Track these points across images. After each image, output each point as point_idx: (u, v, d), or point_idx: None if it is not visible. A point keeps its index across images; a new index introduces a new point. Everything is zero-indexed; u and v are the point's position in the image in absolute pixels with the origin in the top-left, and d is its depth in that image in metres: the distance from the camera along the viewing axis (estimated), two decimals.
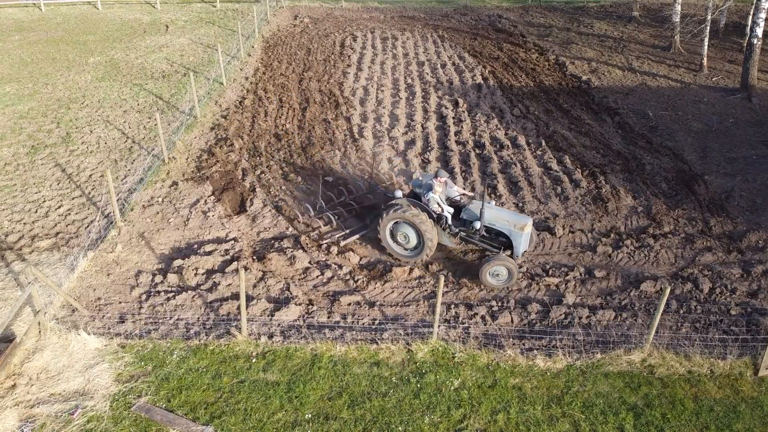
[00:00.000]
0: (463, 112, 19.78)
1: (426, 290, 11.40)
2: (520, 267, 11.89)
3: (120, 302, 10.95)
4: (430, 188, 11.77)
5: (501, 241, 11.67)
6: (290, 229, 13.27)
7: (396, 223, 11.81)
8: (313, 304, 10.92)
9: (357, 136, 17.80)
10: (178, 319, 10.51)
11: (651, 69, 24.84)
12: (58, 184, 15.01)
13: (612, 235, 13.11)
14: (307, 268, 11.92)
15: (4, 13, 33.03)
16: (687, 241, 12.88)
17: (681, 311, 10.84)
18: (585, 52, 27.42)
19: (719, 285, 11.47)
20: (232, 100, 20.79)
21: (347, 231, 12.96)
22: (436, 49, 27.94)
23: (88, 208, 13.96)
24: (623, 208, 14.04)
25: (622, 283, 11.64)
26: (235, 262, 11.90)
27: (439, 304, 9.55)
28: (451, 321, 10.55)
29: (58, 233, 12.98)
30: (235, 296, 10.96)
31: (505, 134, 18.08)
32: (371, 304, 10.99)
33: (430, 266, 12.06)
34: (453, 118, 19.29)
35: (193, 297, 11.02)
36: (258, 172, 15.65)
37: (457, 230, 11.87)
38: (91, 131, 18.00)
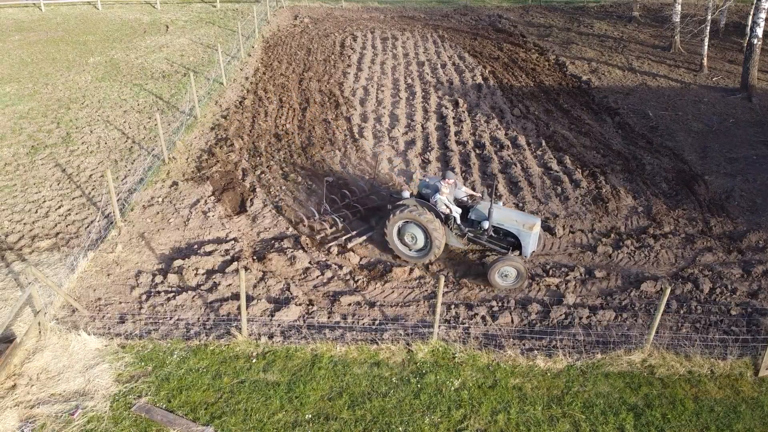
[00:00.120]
0: (463, 112, 19.78)
1: (426, 290, 11.40)
2: None
3: (120, 302, 10.94)
4: (437, 189, 11.73)
5: (509, 242, 11.63)
6: (290, 229, 13.27)
7: (404, 224, 11.76)
8: (313, 305, 10.92)
9: (357, 136, 17.80)
10: (178, 320, 10.51)
11: (651, 69, 24.85)
12: (58, 184, 15.01)
13: (612, 235, 13.11)
14: (307, 269, 11.92)
15: (4, 13, 33.03)
16: (687, 241, 12.87)
17: (681, 311, 10.84)
18: (585, 52, 27.42)
19: (719, 285, 11.47)
20: (233, 100, 20.79)
21: (354, 233, 12.91)
22: (436, 49, 27.93)
23: (88, 209, 13.95)
24: (623, 208, 14.03)
25: (622, 283, 11.64)
26: (236, 263, 11.90)
27: (440, 305, 9.56)
28: (452, 321, 10.55)
29: (58, 233, 12.98)
30: (236, 296, 10.95)
31: (505, 134, 18.07)
32: (371, 305, 10.99)
33: (430, 266, 12.05)
34: (453, 118, 19.29)
35: (193, 297, 11.02)
36: (258, 172, 15.65)
37: (464, 231, 11.85)
38: (91, 131, 18.00)
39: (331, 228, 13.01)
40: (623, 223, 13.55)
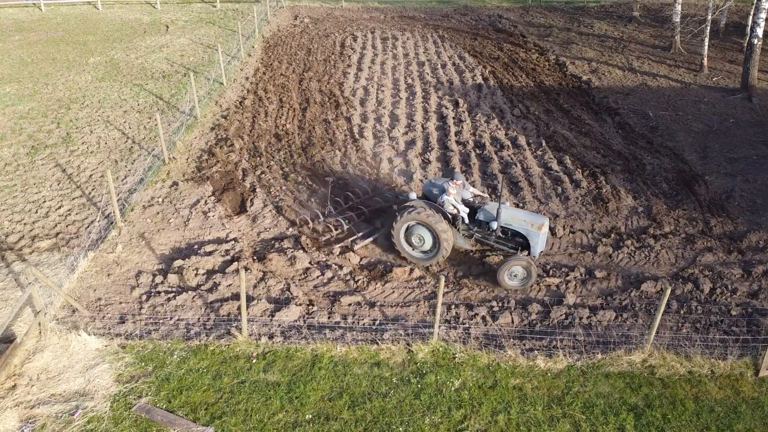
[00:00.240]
0: (464, 112, 19.77)
1: (426, 291, 11.39)
2: None
3: (120, 303, 10.94)
4: (444, 190, 11.68)
5: (517, 242, 11.59)
6: (290, 229, 13.27)
7: (410, 225, 11.70)
8: (313, 305, 10.92)
9: (357, 136, 17.80)
10: (178, 320, 10.51)
11: (651, 69, 24.84)
12: (59, 184, 15.01)
13: (612, 235, 13.11)
14: (307, 269, 11.91)
15: (4, 13, 33.04)
16: (687, 241, 12.87)
17: (681, 311, 10.84)
18: (585, 52, 27.42)
19: (720, 285, 11.47)
20: (233, 100, 20.79)
21: (359, 234, 12.86)
22: (437, 49, 27.93)
23: (89, 209, 13.95)
24: (624, 208, 14.03)
25: (622, 283, 11.64)
26: (236, 263, 11.90)
27: (440, 305, 9.55)
28: (452, 321, 10.54)
29: (58, 233, 12.98)
30: (236, 296, 10.95)
31: (506, 134, 18.07)
32: (372, 305, 10.99)
33: (430, 267, 12.04)
34: (453, 118, 19.29)
35: (193, 297, 11.02)
36: (258, 172, 15.65)
37: (472, 232, 11.81)
38: (91, 131, 18.00)
39: (336, 230, 12.94)
40: (623, 223, 13.55)
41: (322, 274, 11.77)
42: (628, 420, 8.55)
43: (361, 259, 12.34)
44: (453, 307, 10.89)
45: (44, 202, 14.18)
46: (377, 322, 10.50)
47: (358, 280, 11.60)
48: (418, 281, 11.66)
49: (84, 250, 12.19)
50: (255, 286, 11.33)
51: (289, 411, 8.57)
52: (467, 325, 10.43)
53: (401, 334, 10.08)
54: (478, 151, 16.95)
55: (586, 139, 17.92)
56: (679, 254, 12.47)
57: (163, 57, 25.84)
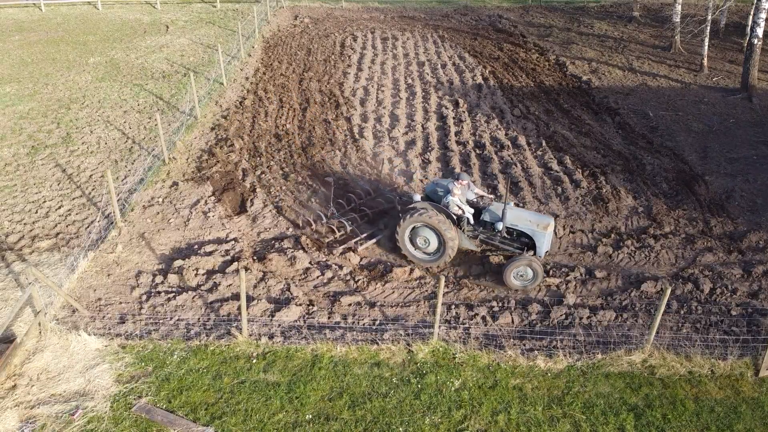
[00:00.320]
0: (464, 112, 19.77)
1: (426, 291, 11.39)
2: None
3: (120, 303, 10.94)
4: (448, 191, 11.65)
5: (523, 242, 11.55)
6: (291, 229, 13.27)
7: (415, 227, 11.65)
8: (313, 305, 10.92)
9: (357, 136, 17.80)
10: (178, 320, 10.51)
11: (651, 69, 24.84)
12: (59, 184, 15.01)
13: (612, 235, 13.11)
14: (307, 269, 11.91)
15: (4, 13, 33.04)
16: (687, 241, 12.87)
17: (682, 312, 10.84)
18: (585, 52, 27.42)
19: (720, 285, 11.47)
20: (233, 100, 20.79)
21: (363, 236, 12.82)
22: (437, 49, 27.93)
23: (89, 209, 13.95)
24: (624, 208, 14.03)
25: (622, 283, 11.64)
26: (236, 263, 11.90)
27: (440, 305, 9.55)
28: (452, 321, 10.54)
29: (58, 234, 12.98)
30: (236, 297, 10.95)
31: (506, 134, 18.07)
32: (372, 305, 10.99)
33: (431, 267, 12.03)
34: (453, 118, 19.29)
35: (193, 297, 11.02)
36: (258, 172, 15.65)
37: (477, 233, 11.79)
38: (91, 131, 18.01)
39: (339, 232, 12.92)
40: (623, 224, 13.55)
41: (322, 274, 11.77)
42: (628, 420, 8.55)
43: (361, 259, 12.34)
44: (453, 307, 10.89)
45: (44, 202, 14.18)
46: (377, 323, 10.50)
47: (359, 280, 11.59)
48: (418, 281, 11.65)
49: (84, 250, 12.20)
50: (255, 286, 11.33)
51: (289, 411, 8.57)
52: (467, 325, 10.43)
53: (401, 334, 10.08)
54: (478, 151, 16.95)
55: (586, 139, 17.92)
56: (679, 254, 12.47)
57: (163, 57, 25.84)
